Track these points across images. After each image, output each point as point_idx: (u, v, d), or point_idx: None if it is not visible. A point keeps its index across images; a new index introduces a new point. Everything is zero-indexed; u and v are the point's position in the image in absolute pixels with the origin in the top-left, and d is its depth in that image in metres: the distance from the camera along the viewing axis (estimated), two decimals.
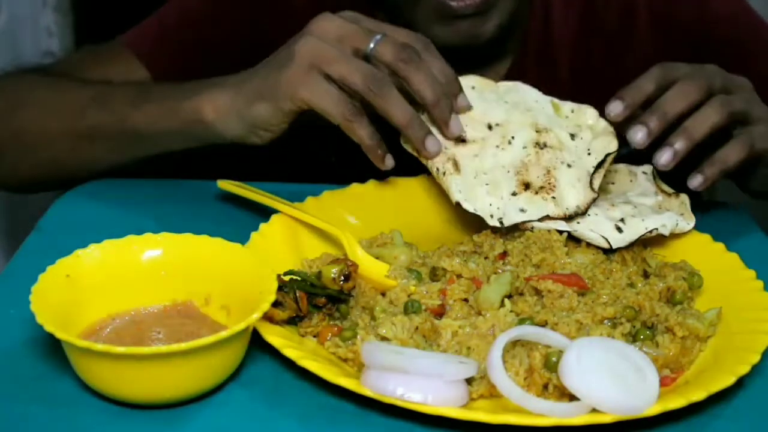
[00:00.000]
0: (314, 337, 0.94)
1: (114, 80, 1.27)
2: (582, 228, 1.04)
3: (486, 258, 1.02)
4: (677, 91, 1.06)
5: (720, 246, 1.07)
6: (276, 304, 0.90)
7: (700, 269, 1.03)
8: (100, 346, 0.81)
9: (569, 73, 1.36)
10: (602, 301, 0.96)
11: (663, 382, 0.87)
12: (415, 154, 1.09)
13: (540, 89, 1.14)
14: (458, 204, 1.06)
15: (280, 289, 0.91)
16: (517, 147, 1.08)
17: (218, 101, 1.11)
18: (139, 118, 1.17)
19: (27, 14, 2.11)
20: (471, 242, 1.06)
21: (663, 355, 0.91)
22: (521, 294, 0.97)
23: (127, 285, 0.93)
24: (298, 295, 0.93)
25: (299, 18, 1.12)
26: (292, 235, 1.08)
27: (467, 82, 1.11)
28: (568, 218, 1.05)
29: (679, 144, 1.05)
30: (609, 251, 1.04)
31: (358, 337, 0.90)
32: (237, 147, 1.15)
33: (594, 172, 1.06)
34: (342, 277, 0.96)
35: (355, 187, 1.18)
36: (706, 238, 1.09)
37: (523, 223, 1.04)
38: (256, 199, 1.14)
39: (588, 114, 1.11)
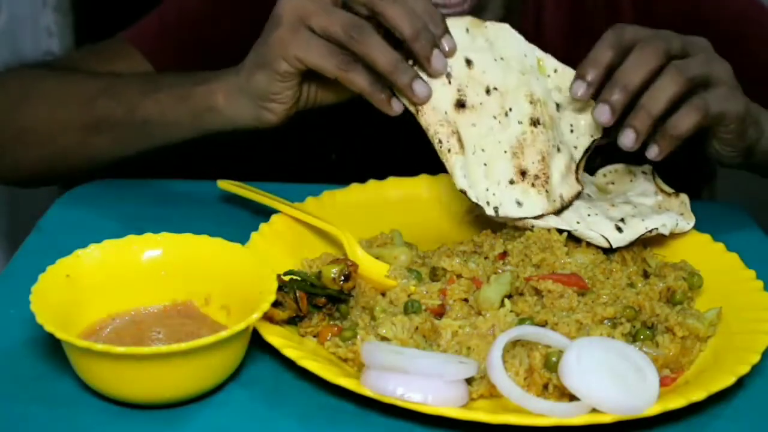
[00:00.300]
0: (314, 337, 0.94)
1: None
2: (582, 228, 1.04)
3: (486, 258, 1.02)
4: (634, 60, 1.02)
5: (720, 246, 1.07)
6: (276, 304, 0.90)
7: (700, 269, 1.03)
8: (100, 346, 0.81)
9: None
10: (602, 301, 0.96)
11: (663, 382, 0.87)
12: (411, 109, 1.05)
13: None
14: (462, 191, 1.05)
15: (280, 289, 0.91)
16: (514, 121, 1.06)
17: (227, 86, 1.11)
18: (150, 107, 1.16)
19: (27, 14, 2.11)
20: (471, 242, 1.06)
21: (663, 355, 0.91)
22: (521, 294, 0.97)
23: (127, 285, 0.93)
24: (298, 295, 0.93)
25: None
26: (292, 235, 1.08)
27: (461, 23, 1.08)
28: (558, 212, 1.05)
29: (640, 123, 1.02)
30: (609, 251, 1.04)
31: (358, 337, 0.91)
32: (237, 147, 1.15)
33: (579, 161, 1.06)
34: (342, 277, 0.96)
35: (355, 187, 1.18)
36: (706, 238, 1.09)
37: (519, 219, 1.04)
38: (256, 199, 1.14)
39: (571, 79, 1.07)
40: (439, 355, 0.88)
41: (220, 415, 0.85)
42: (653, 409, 0.82)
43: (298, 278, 0.95)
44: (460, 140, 1.04)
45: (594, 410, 0.82)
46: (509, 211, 1.04)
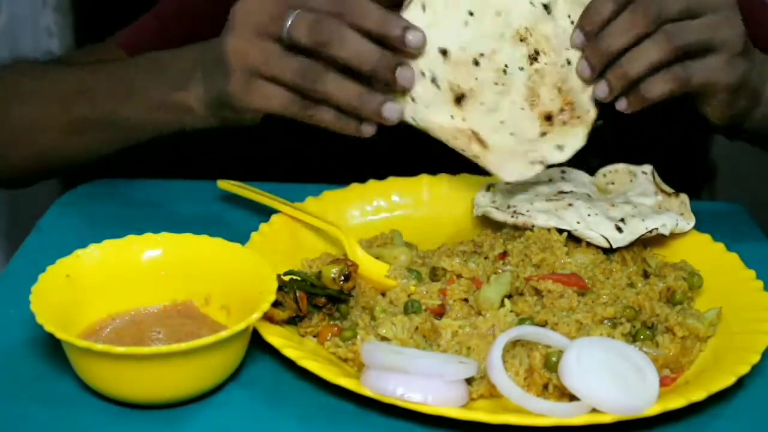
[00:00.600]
0: (314, 337, 0.94)
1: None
2: (582, 228, 1.04)
3: (486, 258, 1.02)
4: (622, 23, 1.01)
5: (720, 246, 1.07)
6: (276, 304, 0.90)
7: (700, 269, 1.03)
8: (100, 346, 0.81)
9: None
10: (602, 301, 0.96)
11: (663, 382, 0.87)
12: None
13: None
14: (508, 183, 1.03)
15: (280, 289, 0.91)
16: (515, 73, 1.04)
17: (204, 95, 1.08)
18: (127, 112, 1.14)
19: (27, 14, 2.11)
20: (471, 242, 1.06)
21: (663, 355, 0.91)
22: (521, 294, 0.97)
23: (127, 285, 0.93)
24: (298, 295, 0.93)
25: None
26: (292, 235, 1.08)
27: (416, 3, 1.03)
28: (595, 122, 1.04)
29: (615, 80, 1.01)
30: (609, 251, 1.04)
31: (358, 337, 0.91)
32: (237, 147, 1.15)
33: None
34: (342, 277, 0.96)
35: (355, 187, 1.18)
36: (706, 238, 1.09)
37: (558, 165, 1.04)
38: (256, 199, 1.15)
39: None
40: (439, 355, 0.88)
41: (220, 415, 0.85)
42: (653, 409, 0.82)
43: (298, 278, 0.95)
44: (479, 138, 1.04)
45: (594, 410, 0.82)
46: (554, 158, 1.04)
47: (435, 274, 0.99)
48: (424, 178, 1.19)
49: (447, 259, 0.99)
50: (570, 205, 1.07)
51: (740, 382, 0.87)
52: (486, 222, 1.10)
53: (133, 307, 0.94)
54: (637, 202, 1.10)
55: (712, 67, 1.03)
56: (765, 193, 1.42)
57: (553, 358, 0.85)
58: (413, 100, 1.03)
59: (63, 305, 0.88)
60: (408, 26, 0.99)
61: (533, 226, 1.04)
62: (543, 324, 0.92)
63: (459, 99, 1.04)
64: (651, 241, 1.07)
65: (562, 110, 1.04)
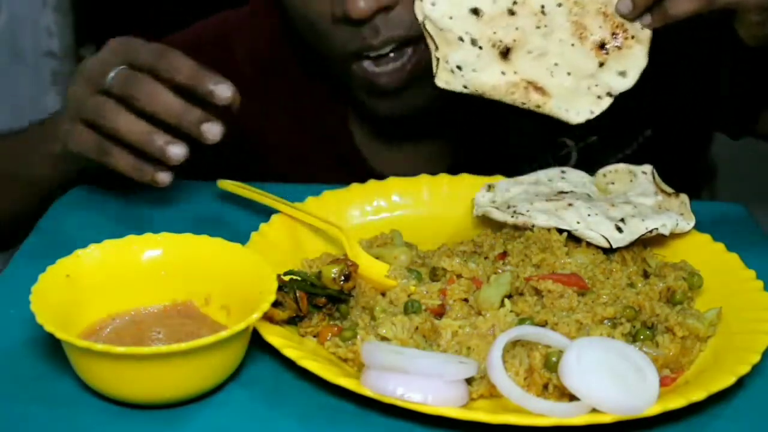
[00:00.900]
0: (314, 337, 0.94)
1: None
2: (582, 228, 1.04)
3: (486, 258, 1.02)
4: None
5: (720, 246, 1.07)
6: (276, 304, 0.90)
7: (700, 269, 1.03)
8: (100, 346, 0.81)
9: None
10: (602, 301, 0.96)
11: (663, 382, 0.87)
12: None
13: None
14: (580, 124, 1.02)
15: (280, 289, 0.91)
16: (553, 11, 1.01)
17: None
18: (33, 170, 1.21)
19: (27, 14, 2.11)
20: (471, 242, 1.06)
21: (663, 355, 0.91)
22: (521, 294, 0.97)
23: (127, 285, 0.93)
24: (298, 295, 0.93)
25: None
26: (292, 235, 1.08)
27: None
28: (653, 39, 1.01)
29: (653, 18, 1.00)
30: (609, 251, 1.04)
31: (358, 337, 0.91)
32: (237, 147, 1.14)
33: None
34: (342, 277, 0.96)
35: (355, 187, 1.18)
36: (706, 238, 1.09)
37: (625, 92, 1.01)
38: (256, 199, 1.14)
39: None
40: (439, 355, 0.88)
41: (220, 415, 0.85)
42: (653, 409, 0.82)
43: (298, 278, 0.95)
44: (537, 87, 1.02)
45: (594, 410, 0.82)
46: (620, 86, 1.02)
47: (435, 274, 0.99)
48: (424, 178, 1.19)
49: (447, 259, 0.99)
50: (570, 205, 1.06)
51: (740, 382, 0.87)
52: (486, 222, 1.10)
53: (133, 307, 0.94)
54: (637, 202, 1.10)
55: None
56: (765, 193, 1.42)
57: (553, 358, 0.85)
58: (459, 68, 1.02)
59: (63, 305, 0.88)
60: (219, 81, 1.03)
61: (533, 226, 1.04)
62: (543, 324, 0.92)
63: (505, 53, 1.01)
64: (651, 241, 1.07)
65: (614, 35, 1.01)
